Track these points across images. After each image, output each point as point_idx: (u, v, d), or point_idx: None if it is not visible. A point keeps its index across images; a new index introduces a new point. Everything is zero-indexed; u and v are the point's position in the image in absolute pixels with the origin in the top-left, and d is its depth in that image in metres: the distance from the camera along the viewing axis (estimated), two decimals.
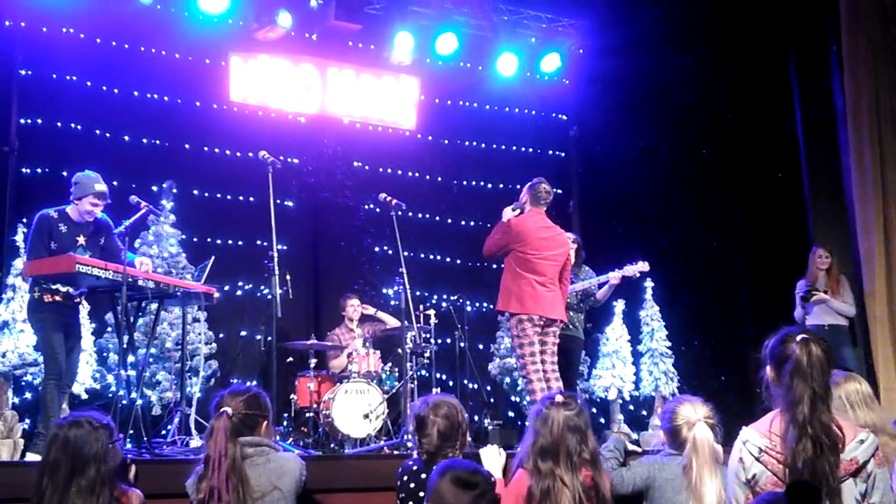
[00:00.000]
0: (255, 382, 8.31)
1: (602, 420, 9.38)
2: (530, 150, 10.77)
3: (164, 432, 6.97)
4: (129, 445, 5.60)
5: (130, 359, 6.17)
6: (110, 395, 7.22)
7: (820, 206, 9.51)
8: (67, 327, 6.01)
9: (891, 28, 9.29)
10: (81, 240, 5.98)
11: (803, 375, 2.92)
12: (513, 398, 9.42)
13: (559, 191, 10.53)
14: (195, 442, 6.32)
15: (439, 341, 8.58)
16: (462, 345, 8.52)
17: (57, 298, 5.86)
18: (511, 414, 9.52)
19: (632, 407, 9.65)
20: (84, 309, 7.38)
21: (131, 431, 5.62)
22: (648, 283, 9.60)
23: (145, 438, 5.74)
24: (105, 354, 7.63)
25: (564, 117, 11.05)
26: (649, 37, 9.92)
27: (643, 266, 7.49)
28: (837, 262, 8.56)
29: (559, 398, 3.51)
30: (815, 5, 9.63)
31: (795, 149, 9.63)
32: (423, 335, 7.98)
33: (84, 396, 7.32)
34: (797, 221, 9.51)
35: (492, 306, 9.08)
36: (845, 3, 9.35)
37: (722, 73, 10.10)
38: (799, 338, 2.98)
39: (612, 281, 7.45)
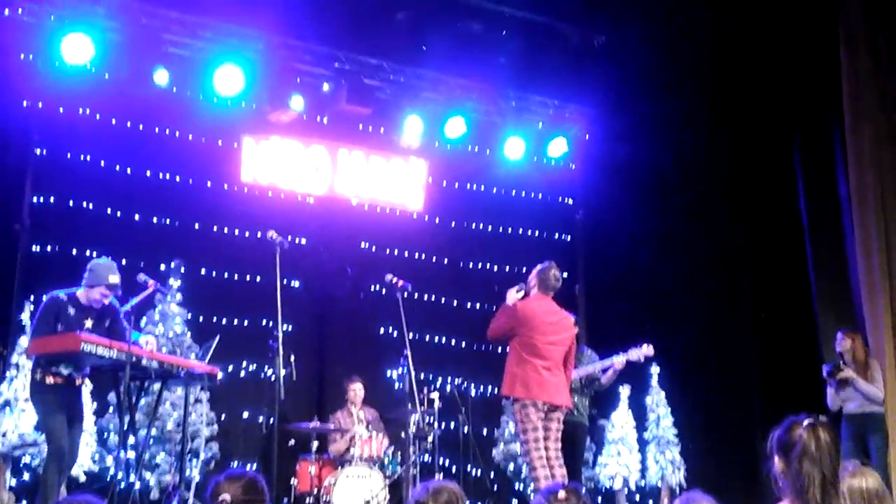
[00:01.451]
0: (255, 466, 8.21)
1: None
2: (537, 233, 10.83)
3: None
4: None
5: (130, 440, 6.12)
6: (109, 477, 7.13)
7: (826, 294, 9.48)
8: (70, 408, 5.98)
9: (893, 117, 9.41)
10: (88, 323, 5.99)
11: (812, 459, 2.88)
12: (517, 485, 9.27)
13: (565, 274, 10.57)
14: None
15: (443, 425, 8.48)
16: (466, 429, 8.42)
17: (59, 381, 5.84)
18: (515, 502, 9.34)
19: (638, 497, 9.47)
20: (87, 388, 7.36)
21: None
22: (655, 369, 9.54)
23: None
24: (105, 435, 7.57)
25: (571, 201, 11.14)
26: (654, 123, 10.08)
27: (648, 350, 7.43)
28: (863, 346, 8.27)
29: (562, 494, 3.43)
30: (818, 94, 9.77)
31: (801, 235, 9.67)
32: (427, 419, 7.89)
33: (82, 479, 7.23)
34: (804, 308, 9.48)
35: (496, 390, 8.98)
36: (848, 93, 9.49)
37: (727, 160, 10.22)
38: (805, 423, 2.95)
39: (616, 365, 7.40)
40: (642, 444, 9.46)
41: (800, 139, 9.99)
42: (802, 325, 9.49)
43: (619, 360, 7.38)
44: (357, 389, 8.58)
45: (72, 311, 5.94)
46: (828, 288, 9.55)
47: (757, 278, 10.01)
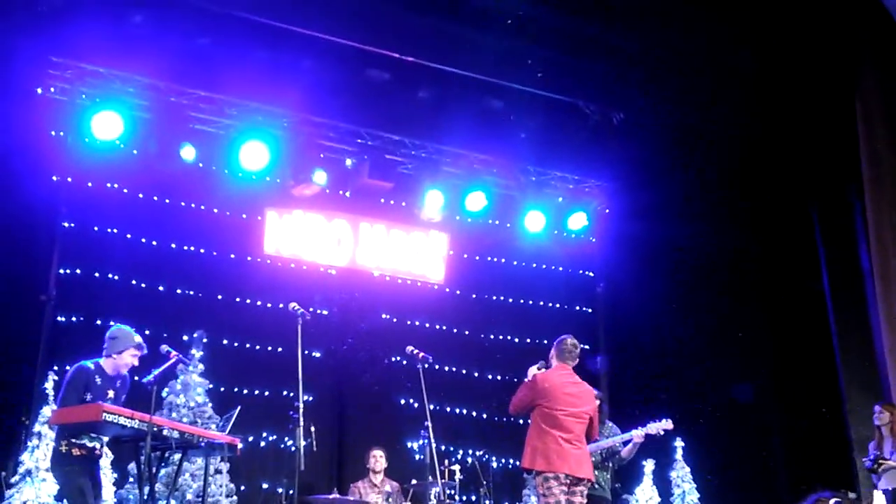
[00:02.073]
0: None
1: None
2: (558, 305, 10.84)
3: None
4: None
5: None
6: None
7: (851, 366, 9.39)
8: (92, 480, 5.97)
9: None
10: (111, 393, 6.03)
11: None
12: None
13: (587, 346, 10.52)
14: None
15: (464, 498, 8.37)
16: (488, 503, 8.30)
17: (83, 452, 5.85)
18: None
19: None
20: (107, 458, 7.35)
21: None
22: (679, 443, 9.40)
23: None
24: None
25: (591, 274, 11.17)
26: (673, 197, 10.16)
27: (667, 424, 7.34)
28: None
29: None
30: (837, 170, 9.84)
31: (823, 308, 9.61)
32: (448, 491, 7.79)
33: None
34: (829, 380, 9.36)
35: (518, 462, 8.89)
36: (867, 165, 9.55)
37: (747, 235, 10.25)
38: (832, 502, 2.90)
39: (635, 439, 7.32)
40: None
41: (820, 215, 10.03)
42: (828, 399, 9.37)
43: (637, 434, 7.31)
44: (378, 457, 8.52)
45: (98, 380, 5.98)
46: (853, 361, 9.46)
47: (780, 352, 9.92)
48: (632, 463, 7.91)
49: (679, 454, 9.46)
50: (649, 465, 9.30)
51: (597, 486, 6.97)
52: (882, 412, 8.05)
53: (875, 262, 9.36)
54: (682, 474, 9.42)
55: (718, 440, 9.63)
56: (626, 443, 7.38)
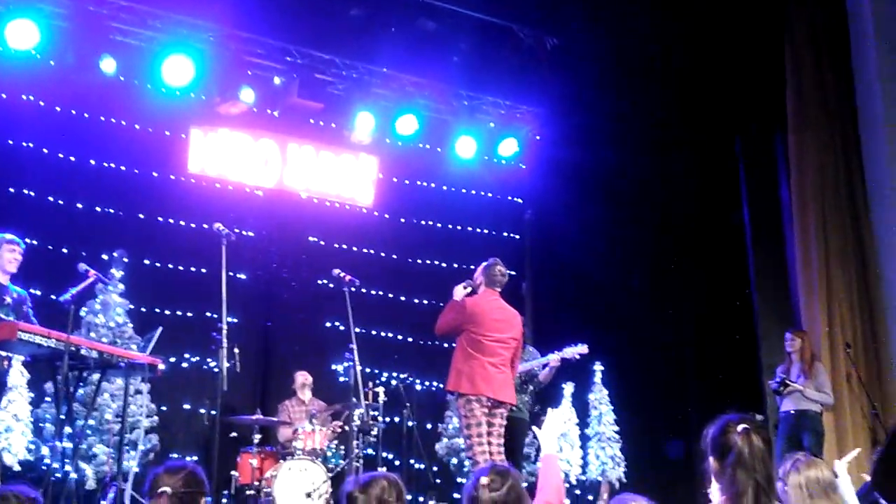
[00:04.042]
0: (195, 458, 8.12)
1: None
2: (486, 231, 10.89)
3: None
4: None
5: (67, 430, 6.03)
6: (44, 467, 7.02)
7: (766, 295, 9.72)
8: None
9: (835, 126, 9.67)
10: (8, 300, 5.91)
11: (746, 467, 2.87)
12: (459, 479, 9.30)
13: (513, 272, 10.63)
14: None
15: (387, 419, 8.49)
16: (410, 424, 8.44)
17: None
18: (457, 495, 9.38)
19: (578, 491, 9.59)
20: (23, 378, 7.23)
21: None
22: (598, 367, 9.66)
23: None
24: (41, 425, 7.44)
25: (520, 200, 11.22)
26: (603, 125, 10.23)
27: (583, 349, 7.54)
28: (811, 347, 8.49)
29: (484, 480, 3.37)
30: (763, 102, 10.01)
31: (742, 238, 9.88)
32: (371, 413, 7.89)
33: (17, 468, 7.11)
34: (744, 311, 9.68)
35: (441, 385, 9.02)
36: (792, 102, 9.75)
37: (673, 163, 10.40)
38: (740, 428, 2.93)
39: (552, 363, 7.52)
40: (584, 440, 9.59)
41: (744, 149, 10.23)
42: (742, 326, 9.69)
43: (554, 358, 7.50)
44: (306, 377, 8.60)
45: None
46: (768, 290, 9.79)
47: (699, 279, 10.20)
48: (552, 385, 8.13)
49: (598, 377, 9.73)
50: (569, 388, 9.56)
51: (515, 408, 7.13)
52: (794, 339, 8.42)
53: (794, 199, 9.64)
54: (599, 397, 9.71)
55: (636, 365, 9.92)
56: (543, 366, 7.57)
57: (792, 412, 8.17)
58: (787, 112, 9.73)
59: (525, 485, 3.52)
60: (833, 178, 9.61)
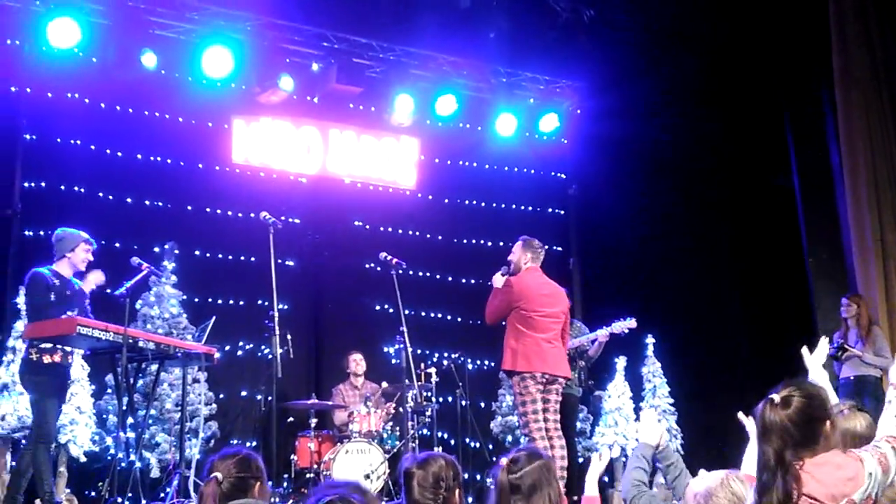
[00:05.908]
0: (254, 443, 8.25)
1: (606, 479, 9.26)
2: (530, 208, 10.84)
3: (162, 495, 6.87)
4: None
5: (130, 420, 6.15)
6: (109, 457, 7.17)
7: (820, 263, 9.55)
8: (62, 391, 6.01)
9: (883, 86, 9.45)
10: (69, 293, 6.03)
11: (766, 438, 2.84)
12: None
13: (559, 248, 10.60)
14: None
15: (440, 400, 8.53)
16: (463, 403, 8.48)
17: (56, 359, 5.85)
18: None
19: None
20: (84, 371, 7.39)
21: (129, 494, 5.58)
22: (650, 340, 9.59)
23: (144, 502, 5.69)
24: (104, 416, 7.59)
25: (563, 176, 11.15)
26: (645, 97, 10.08)
27: (631, 323, 7.48)
28: (868, 312, 8.30)
29: (503, 461, 3.38)
30: (808, 63, 9.80)
31: (793, 204, 9.71)
32: (424, 394, 7.94)
33: (83, 459, 7.28)
34: (797, 277, 9.53)
35: (493, 364, 9.06)
36: (838, 62, 9.53)
37: (719, 134, 10.24)
38: (769, 398, 2.89)
39: (600, 338, 7.48)
40: (639, 413, 9.53)
41: (791, 114, 10.04)
42: (796, 294, 9.55)
43: (602, 333, 7.46)
44: (359, 360, 8.67)
45: (56, 281, 5.98)
46: (822, 257, 9.62)
47: (750, 249, 10.06)
48: (604, 360, 8.10)
49: (650, 350, 9.67)
50: (621, 363, 9.51)
51: (566, 384, 7.12)
52: (850, 304, 8.26)
53: (844, 159, 9.45)
54: (653, 370, 9.65)
55: (689, 336, 9.83)
56: (592, 342, 7.53)
57: (851, 378, 8.03)
58: (834, 71, 9.52)
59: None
60: (882, 136, 9.40)
